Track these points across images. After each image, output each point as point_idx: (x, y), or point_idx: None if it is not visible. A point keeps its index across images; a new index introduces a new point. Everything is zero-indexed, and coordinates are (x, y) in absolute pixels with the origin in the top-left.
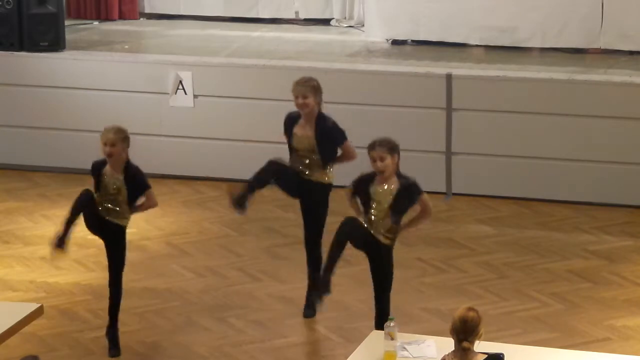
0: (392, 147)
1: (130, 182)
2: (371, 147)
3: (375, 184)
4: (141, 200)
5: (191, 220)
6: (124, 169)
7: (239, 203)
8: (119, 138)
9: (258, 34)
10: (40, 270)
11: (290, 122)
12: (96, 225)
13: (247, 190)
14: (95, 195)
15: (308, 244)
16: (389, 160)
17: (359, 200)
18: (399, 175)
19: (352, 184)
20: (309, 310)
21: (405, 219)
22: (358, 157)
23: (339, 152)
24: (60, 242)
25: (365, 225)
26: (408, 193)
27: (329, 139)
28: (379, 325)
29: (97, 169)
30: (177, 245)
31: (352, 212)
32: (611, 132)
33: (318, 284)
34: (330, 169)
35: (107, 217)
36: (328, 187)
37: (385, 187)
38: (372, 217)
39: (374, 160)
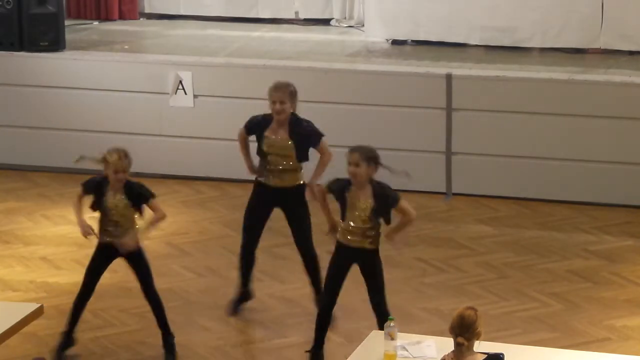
0: (369, 157)
1: (134, 196)
2: (351, 150)
3: (352, 192)
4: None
5: (191, 220)
6: (124, 187)
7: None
8: (129, 163)
9: (258, 34)
10: (40, 270)
11: (260, 126)
12: (112, 253)
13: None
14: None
15: (301, 247)
16: (363, 168)
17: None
18: (374, 184)
19: (328, 184)
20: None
21: (389, 227)
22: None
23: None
24: (87, 229)
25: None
26: (384, 200)
27: (305, 140)
28: (382, 326)
29: (97, 188)
30: (177, 245)
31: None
32: (611, 132)
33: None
34: (301, 170)
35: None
36: (302, 188)
37: (361, 198)
38: (351, 226)
39: (349, 164)
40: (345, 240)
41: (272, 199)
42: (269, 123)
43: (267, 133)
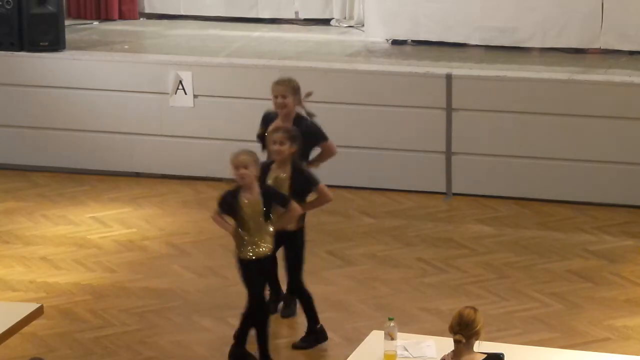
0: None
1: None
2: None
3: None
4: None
5: (191, 220)
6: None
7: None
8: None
9: (258, 34)
10: (40, 270)
11: (268, 121)
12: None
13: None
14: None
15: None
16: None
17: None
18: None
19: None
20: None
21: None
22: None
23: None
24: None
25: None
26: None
27: (308, 141)
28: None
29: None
30: (177, 245)
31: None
32: (611, 132)
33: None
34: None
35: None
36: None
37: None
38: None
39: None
40: None
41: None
42: (275, 119)
43: (270, 129)
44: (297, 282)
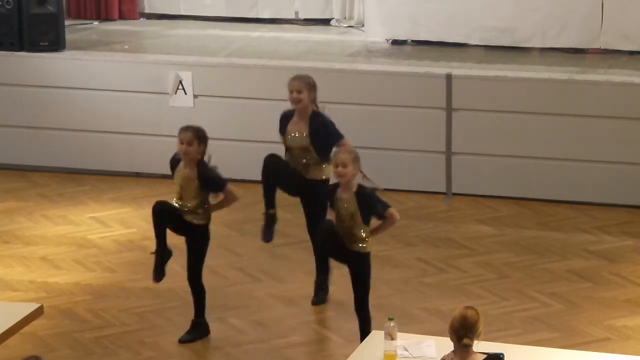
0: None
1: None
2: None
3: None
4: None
5: None
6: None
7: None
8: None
9: (258, 34)
10: (40, 270)
11: (285, 119)
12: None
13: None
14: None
15: (312, 234)
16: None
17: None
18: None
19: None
20: (317, 298)
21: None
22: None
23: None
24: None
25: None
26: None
27: (324, 137)
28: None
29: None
30: (177, 245)
31: None
32: (611, 132)
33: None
34: (326, 165)
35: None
36: (325, 183)
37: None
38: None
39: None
40: None
41: (297, 188)
42: (292, 117)
43: (288, 127)
44: (197, 275)
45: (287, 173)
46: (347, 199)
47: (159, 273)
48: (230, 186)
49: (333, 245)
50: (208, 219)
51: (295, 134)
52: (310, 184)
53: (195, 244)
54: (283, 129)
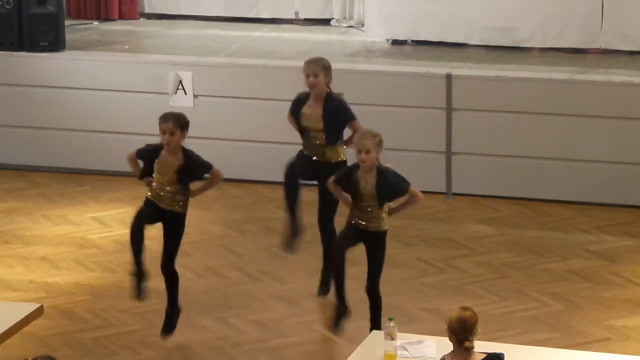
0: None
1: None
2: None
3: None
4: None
5: (191, 220)
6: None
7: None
8: None
9: (258, 34)
10: (40, 270)
11: (299, 103)
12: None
13: (291, 225)
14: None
15: (321, 222)
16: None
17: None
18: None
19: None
20: (323, 288)
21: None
22: None
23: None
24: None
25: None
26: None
27: (337, 117)
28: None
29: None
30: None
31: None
32: (611, 132)
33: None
34: (342, 146)
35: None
36: (341, 165)
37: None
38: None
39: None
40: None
41: (312, 169)
42: (307, 100)
43: (304, 109)
44: (172, 261)
45: (304, 163)
46: (368, 180)
47: (140, 291)
48: (215, 167)
49: (343, 266)
50: (186, 207)
51: (311, 115)
52: (327, 166)
53: (175, 231)
54: (295, 110)
